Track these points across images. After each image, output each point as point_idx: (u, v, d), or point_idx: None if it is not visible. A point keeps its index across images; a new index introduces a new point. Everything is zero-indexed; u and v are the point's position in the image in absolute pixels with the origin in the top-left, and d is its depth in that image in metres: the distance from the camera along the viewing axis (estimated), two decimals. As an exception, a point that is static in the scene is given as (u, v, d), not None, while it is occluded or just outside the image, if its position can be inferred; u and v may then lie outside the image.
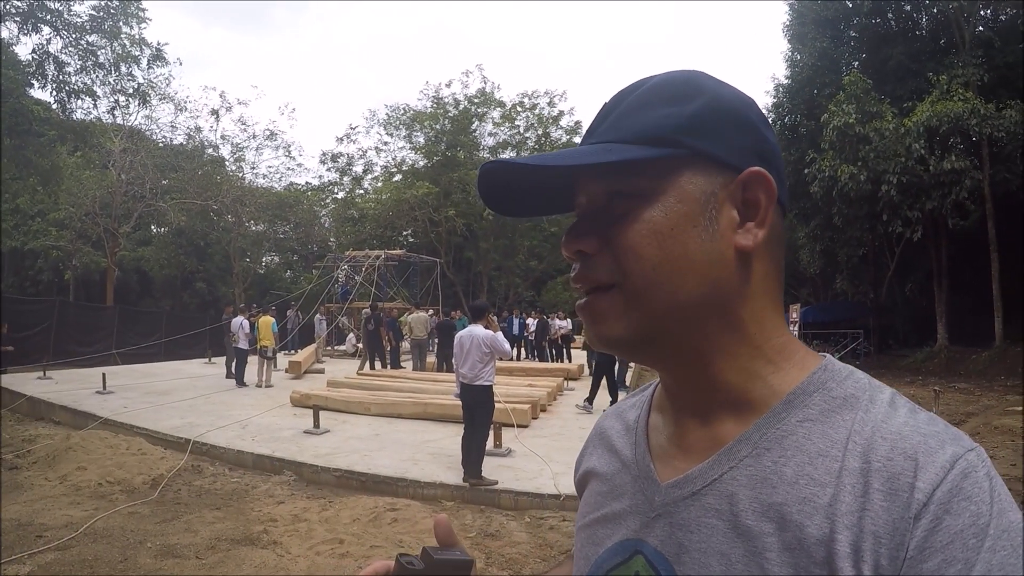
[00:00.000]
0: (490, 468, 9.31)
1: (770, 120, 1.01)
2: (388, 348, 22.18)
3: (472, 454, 8.88)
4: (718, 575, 0.75)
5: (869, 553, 0.67)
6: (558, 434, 11.71)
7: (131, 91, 27.87)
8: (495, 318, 21.07)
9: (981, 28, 30.01)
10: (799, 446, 0.76)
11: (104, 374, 15.79)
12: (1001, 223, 27.48)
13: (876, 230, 29.37)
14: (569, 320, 27.39)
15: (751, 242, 0.81)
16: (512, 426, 11.25)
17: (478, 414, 8.99)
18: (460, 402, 9.35)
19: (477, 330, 9.04)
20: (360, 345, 25.44)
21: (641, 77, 0.89)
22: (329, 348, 27.14)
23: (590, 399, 14.29)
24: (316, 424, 11.72)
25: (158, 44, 28.09)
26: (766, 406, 0.81)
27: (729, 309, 0.82)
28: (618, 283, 0.82)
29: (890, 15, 33.50)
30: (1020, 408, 16.25)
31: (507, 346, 9.34)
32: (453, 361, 9.89)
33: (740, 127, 0.83)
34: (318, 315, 26.54)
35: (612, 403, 11.11)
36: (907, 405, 0.78)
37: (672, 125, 0.80)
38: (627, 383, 20.11)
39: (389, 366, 21.78)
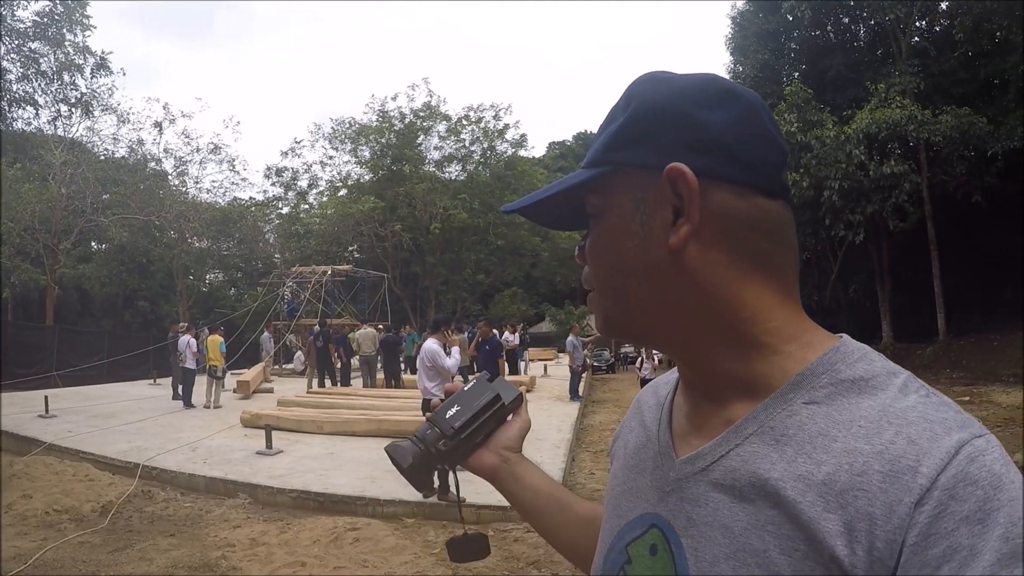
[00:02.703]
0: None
1: None
2: (338, 365, 21.92)
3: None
4: (721, 547, 0.77)
5: (864, 534, 0.66)
6: (515, 447, 11.65)
7: (73, 101, 27.29)
8: (461, 333, 21.08)
9: (917, 38, 31.34)
10: (802, 426, 0.77)
11: (46, 397, 15.36)
12: (940, 223, 28.73)
13: (819, 234, 30.13)
14: (517, 333, 27.41)
15: (677, 240, 0.81)
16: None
17: None
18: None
19: (427, 344, 9.21)
20: (307, 363, 25.22)
21: None
22: (277, 367, 26.78)
23: None
24: (268, 444, 11.51)
25: (102, 53, 27.62)
26: (774, 387, 0.81)
27: (695, 304, 0.84)
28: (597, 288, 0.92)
29: (829, 27, 34.62)
30: (967, 399, 16.73)
31: (448, 363, 9.36)
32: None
33: (668, 125, 0.83)
34: (265, 333, 26.17)
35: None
36: (921, 389, 0.76)
37: (603, 144, 0.87)
38: (580, 393, 20.22)
39: (340, 383, 21.53)
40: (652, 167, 0.82)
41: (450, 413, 1.18)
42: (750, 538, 0.74)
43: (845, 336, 0.86)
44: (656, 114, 0.84)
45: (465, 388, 1.23)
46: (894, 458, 0.68)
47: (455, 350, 9.82)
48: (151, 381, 23.38)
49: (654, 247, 0.83)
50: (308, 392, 18.65)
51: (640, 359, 11.30)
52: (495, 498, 8.60)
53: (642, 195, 0.83)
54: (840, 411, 0.75)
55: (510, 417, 1.25)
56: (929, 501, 0.65)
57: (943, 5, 31.55)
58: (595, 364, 38.36)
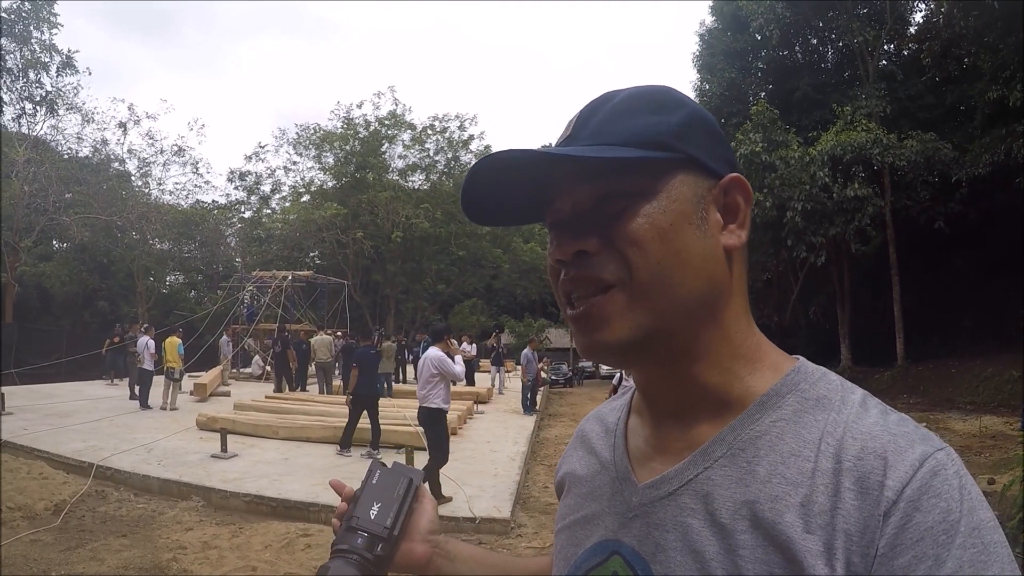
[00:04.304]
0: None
1: None
2: (294, 370, 21.81)
3: (427, 476, 8.88)
4: (693, 573, 0.77)
5: (841, 551, 0.69)
6: (470, 457, 11.77)
7: (38, 99, 26.98)
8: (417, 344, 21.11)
9: (884, 62, 31.68)
10: (772, 446, 0.79)
11: (3, 394, 15.20)
12: (902, 248, 28.81)
13: (781, 255, 30.21)
14: (474, 344, 27.46)
15: (736, 242, 0.87)
16: (424, 449, 11.21)
17: (431, 436, 9.19)
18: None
19: (431, 352, 9.21)
20: (267, 367, 25.08)
21: (605, 92, 0.92)
22: (235, 370, 26.61)
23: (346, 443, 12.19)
24: (224, 448, 11.51)
25: (68, 51, 27.31)
26: (741, 407, 0.84)
27: (717, 308, 0.86)
28: (621, 281, 0.82)
29: (797, 48, 34.83)
30: (923, 425, 16.96)
31: (456, 369, 9.48)
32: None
33: (715, 138, 0.89)
34: (224, 336, 26.00)
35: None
36: (878, 406, 0.81)
37: (663, 131, 0.84)
38: (536, 406, 20.29)
39: (298, 388, 21.45)
40: (711, 170, 0.86)
41: (373, 513, 1.06)
42: (723, 562, 0.75)
43: (801, 358, 0.90)
44: (709, 126, 0.89)
45: (373, 481, 1.11)
46: (863, 475, 0.71)
47: (459, 358, 9.86)
48: (108, 381, 23.13)
49: (712, 242, 0.85)
50: (267, 397, 18.57)
51: (619, 375, 10.97)
52: (448, 509, 8.77)
53: (702, 192, 0.85)
54: (808, 429, 0.78)
55: None
56: (895, 513, 0.68)
57: (912, 29, 31.91)
58: (552, 378, 38.39)
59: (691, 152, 0.85)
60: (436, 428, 9.15)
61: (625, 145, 0.82)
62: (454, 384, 9.60)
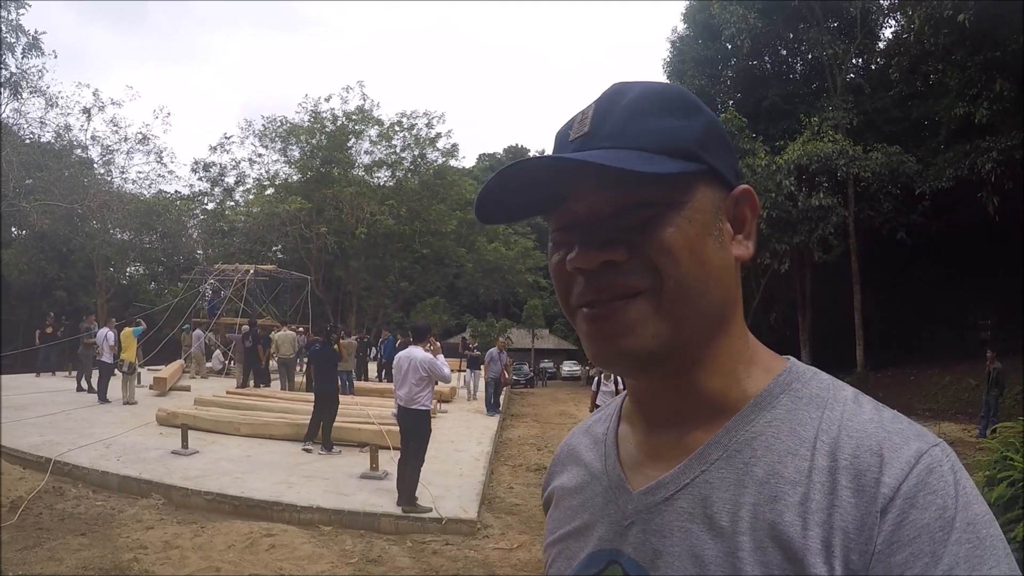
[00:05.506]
0: (368, 491, 9.28)
1: None
2: (263, 366, 21.60)
3: (406, 480, 8.77)
4: None
5: (839, 549, 0.69)
6: (434, 457, 11.67)
7: (2, 80, 26.51)
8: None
9: (852, 75, 32.28)
10: (769, 446, 0.79)
11: (-46, 385, 14.93)
12: (863, 258, 29.52)
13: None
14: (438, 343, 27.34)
15: (745, 253, 0.87)
16: (388, 448, 11.14)
17: (413, 439, 8.93)
18: (395, 420, 9.32)
19: (416, 352, 8.94)
20: (227, 362, 24.82)
21: (616, 84, 0.89)
22: (190, 365, 26.24)
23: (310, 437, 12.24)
24: (184, 444, 11.35)
25: (35, 32, 26.85)
26: (736, 409, 0.84)
27: (727, 318, 0.86)
28: (649, 290, 0.80)
29: (767, 58, 35.30)
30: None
31: (446, 370, 9.32)
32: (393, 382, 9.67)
33: (727, 147, 0.88)
34: (197, 330, 25.64)
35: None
36: (871, 403, 0.82)
37: (688, 138, 0.82)
38: (499, 406, 20.27)
39: (260, 384, 21.24)
40: (725, 180, 0.86)
41: None
42: (724, 565, 0.75)
43: (792, 358, 0.91)
44: (723, 132, 0.88)
45: None
46: (859, 472, 0.72)
47: (441, 357, 9.72)
48: (67, 373, 22.74)
49: (726, 253, 0.85)
50: (227, 392, 18.36)
51: (598, 380, 10.84)
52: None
53: (718, 203, 0.85)
54: (804, 427, 0.79)
55: None
56: (892, 510, 0.69)
57: (881, 44, 32.44)
58: (515, 378, 38.42)
59: (712, 163, 0.84)
60: (421, 431, 8.97)
61: (650, 150, 0.80)
62: (436, 385, 9.46)
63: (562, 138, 0.88)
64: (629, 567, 0.84)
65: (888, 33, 32.41)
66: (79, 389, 18.05)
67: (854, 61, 32.55)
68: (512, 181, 0.83)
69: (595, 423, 1.07)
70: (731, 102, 34.33)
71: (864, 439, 0.74)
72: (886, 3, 31.18)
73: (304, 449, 11.83)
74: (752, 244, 0.88)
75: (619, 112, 0.83)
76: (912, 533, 0.68)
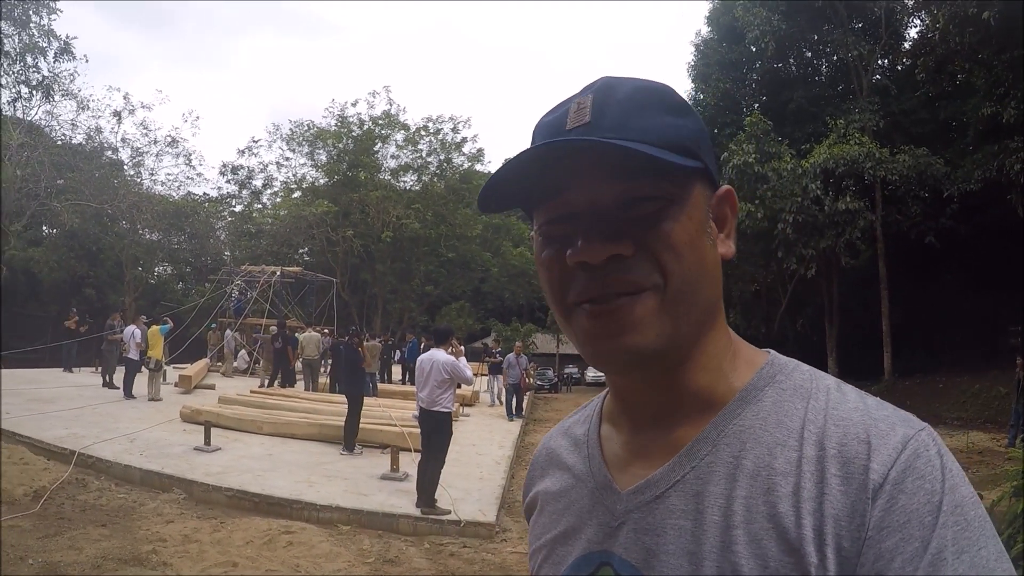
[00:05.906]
0: (388, 492, 9.28)
1: None
2: (293, 367, 21.66)
3: (425, 482, 8.76)
4: (689, 575, 0.76)
5: (831, 536, 0.69)
6: (455, 459, 11.66)
7: (35, 83, 26.80)
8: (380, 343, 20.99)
9: (878, 76, 31.76)
10: (757, 439, 0.79)
11: (-14, 377, 15.10)
12: (891, 262, 28.92)
13: (771, 267, 30.18)
14: (462, 347, 27.30)
15: (728, 252, 0.87)
16: (409, 450, 11.15)
17: (434, 441, 8.89)
18: (417, 423, 9.29)
19: (438, 355, 8.92)
20: (253, 363, 24.94)
21: (602, 78, 0.87)
22: (220, 364, 26.38)
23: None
24: (207, 441, 11.42)
25: (67, 37, 27.13)
26: (722, 404, 0.84)
27: (715, 314, 0.87)
28: (655, 286, 0.79)
29: (792, 60, 34.97)
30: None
31: (468, 373, 9.24)
32: (415, 384, 9.61)
33: (712, 147, 0.89)
34: (228, 332, 25.79)
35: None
36: (854, 391, 0.82)
37: (687, 136, 0.83)
38: (523, 411, 20.22)
39: (286, 384, 21.30)
40: (712, 180, 0.87)
41: None
42: (719, 560, 0.74)
43: (772, 351, 0.91)
44: (707, 133, 0.89)
45: None
46: (848, 460, 0.72)
47: (463, 360, 9.74)
48: (93, 369, 22.96)
49: (715, 251, 0.85)
50: (251, 391, 18.44)
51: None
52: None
53: (707, 201, 0.85)
54: (790, 418, 0.79)
55: None
56: (882, 496, 0.69)
57: (906, 45, 32.08)
58: (539, 383, 38.33)
59: (707, 162, 0.85)
60: (442, 433, 8.94)
61: (655, 145, 0.78)
62: (459, 387, 9.38)
63: (553, 128, 0.86)
64: (621, 568, 0.83)
65: (913, 33, 32.20)
66: (105, 384, 18.21)
67: (880, 62, 32.15)
68: (517, 169, 0.81)
69: (573, 425, 1.06)
70: (756, 105, 33.86)
71: (851, 427, 0.75)
72: (910, 2, 30.83)
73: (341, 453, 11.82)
74: (733, 244, 0.89)
75: (617, 105, 0.82)
76: (902, 518, 0.68)
